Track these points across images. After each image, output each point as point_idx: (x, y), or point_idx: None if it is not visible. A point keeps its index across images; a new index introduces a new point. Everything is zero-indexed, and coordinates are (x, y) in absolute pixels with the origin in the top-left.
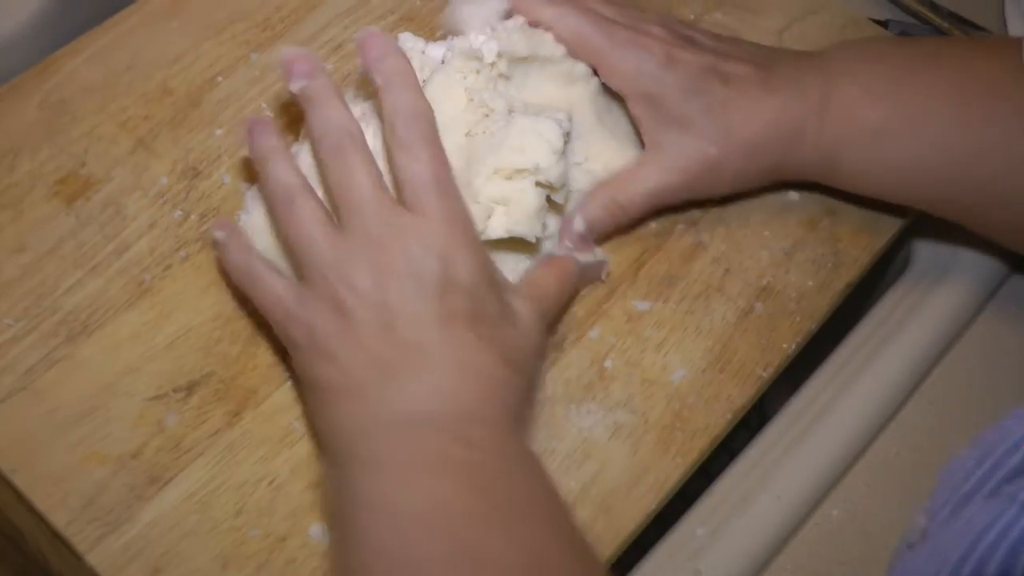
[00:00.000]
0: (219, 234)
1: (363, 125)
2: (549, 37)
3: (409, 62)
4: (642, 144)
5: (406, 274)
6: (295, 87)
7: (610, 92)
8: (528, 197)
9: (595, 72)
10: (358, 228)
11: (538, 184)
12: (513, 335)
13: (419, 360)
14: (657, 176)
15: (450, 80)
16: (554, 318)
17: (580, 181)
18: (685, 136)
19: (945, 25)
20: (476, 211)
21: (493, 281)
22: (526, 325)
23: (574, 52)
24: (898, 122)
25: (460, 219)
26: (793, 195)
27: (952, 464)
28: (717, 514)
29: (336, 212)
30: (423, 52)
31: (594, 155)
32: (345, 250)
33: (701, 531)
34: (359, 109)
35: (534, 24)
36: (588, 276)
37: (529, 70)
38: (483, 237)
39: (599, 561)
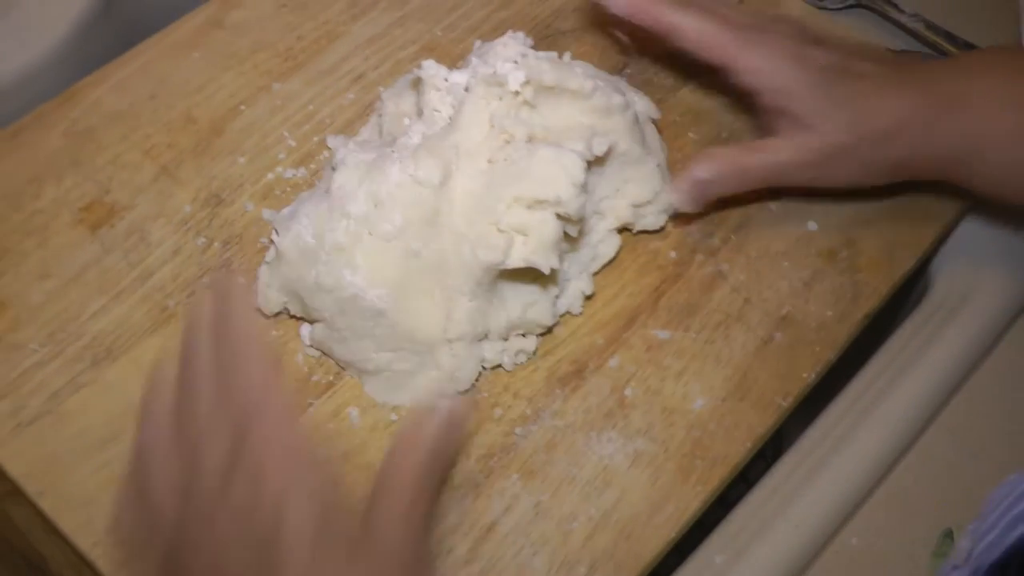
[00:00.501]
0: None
1: (380, 163)
2: (578, 70)
3: None
4: None
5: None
6: None
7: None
8: (547, 228)
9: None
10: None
11: (558, 216)
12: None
13: None
14: (788, 151)
15: (475, 106)
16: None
17: (613, 207)
18: (817, 126)
19: None
20: (498, 239)
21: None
22: (382, 555)
23: (700, 52)
24: None
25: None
26: (812, 225)
27: (1000, 488)
28: (736, 542)
29: None
30: (446, 80)
31: (634, 179)
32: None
33: (720, 559)
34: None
35: (657, 27)
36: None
37: (560, 102)
38: (502, 266)
39: None
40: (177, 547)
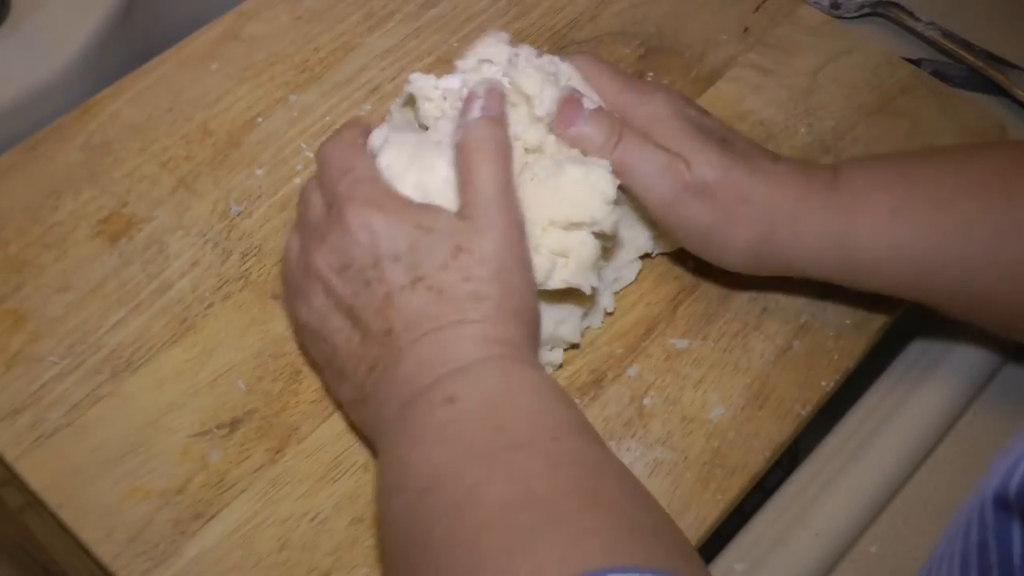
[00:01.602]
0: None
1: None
2: (565, 68)
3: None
4: None
5: (342, 268)
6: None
7: None
8: (586, 249)
9: None
10: (304, 244)
11: (595, 235)
12: (471, 263)
13: (393, 347)
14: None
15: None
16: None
17: (633, 238)
18: (682, 162)
19: (979, 63)
20: (539, 262)
21: (421, 226)
22: (480, 239)
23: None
24: (916, 203)
25: (366, 191)
26: None
27: (968, 496)
28: (756, 550)
29: None
30: (437, 87)
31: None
32: (302, 264)
33: (740, 567)
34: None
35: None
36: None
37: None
38: (541, 287)
39: (598, 464)
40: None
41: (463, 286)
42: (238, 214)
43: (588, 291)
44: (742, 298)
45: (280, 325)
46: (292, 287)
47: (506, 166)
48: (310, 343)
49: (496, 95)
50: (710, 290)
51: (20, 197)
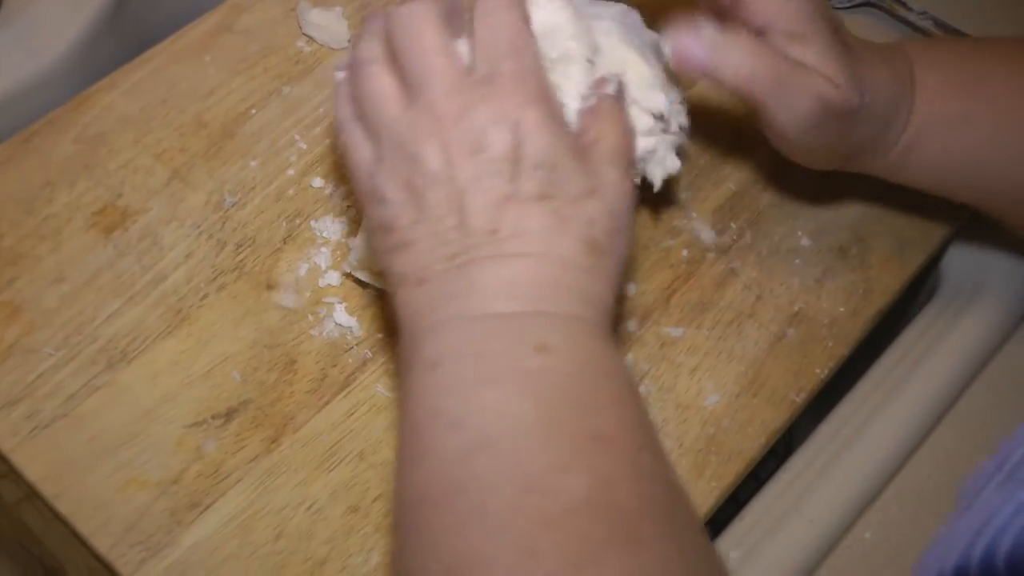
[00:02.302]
0: (339, 74)
1: None
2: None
3: None
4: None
5: (475, 150)
6: None
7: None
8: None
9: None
10: (425, 100)
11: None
12: (600, 210)
13: (491, 248)
14: (822, 88)
15: None
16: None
17: None
18: (828, 84)
19: None
20: None
21: (572, 151)
22: (613, 192)
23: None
24: (983, 110)
25: (533, 86)
26: (822, 222)
27: (974, 473)
28: (751, 537)
29: (407, 86)
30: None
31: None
32: (413, 124)
33: (735, 553)
34: None
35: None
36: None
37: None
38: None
39: (680, 500)
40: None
41: (584, 229)
42: (232, 205)
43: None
44: (736, 286)
45: (275, 316)
46: (388, 134)
47: (633, 144)
48: (389, 201)
49: (620, 85)
50: (704, 279)
51: (14, 189)
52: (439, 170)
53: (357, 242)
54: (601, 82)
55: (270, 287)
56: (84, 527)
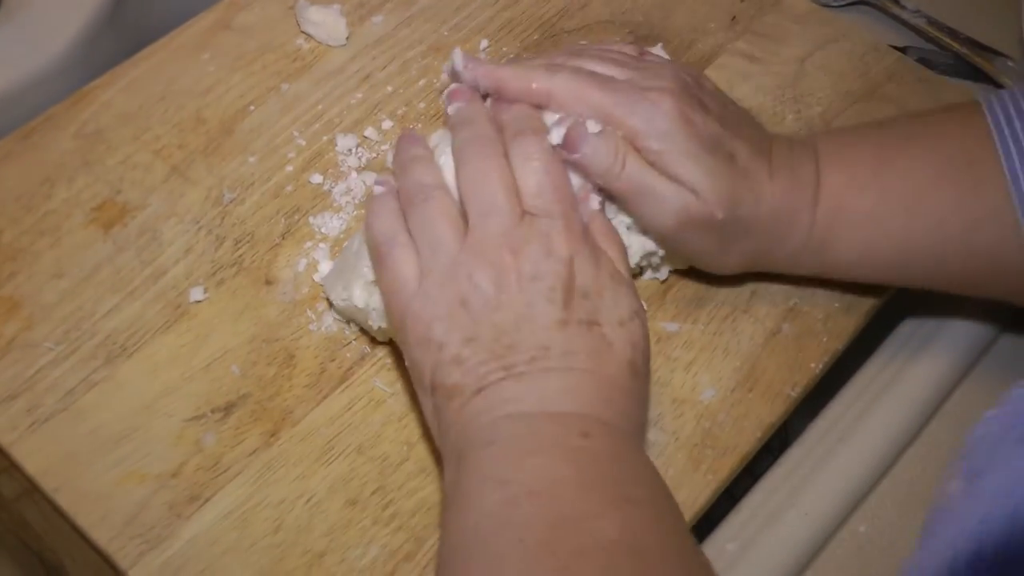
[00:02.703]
0: (378, 188)
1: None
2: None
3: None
4: None
5: (531, 277)
6: (450, 110)
7: None
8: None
9: None
10: (485, 230)
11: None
12: (640, 333)
13: (544, 363)
14: (673, 202)
15: None
16: None
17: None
18: (700, 193)
19: (964, 51)
20: None
21: (616, 280)
22: (644, 317)
23: (579, 113)
24: (889, 206)
25: (577, 226)
26: None
27: (979, 427)
28: (747, 530)
29: (467, 215)
30: None
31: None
32: (472, 250)
33: (731, 546)
34: (434, 139)
35: (527, 98)
36: None
37: None
38: None
39: (701, 557)
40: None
41: (628, 351)
42: (231, 201)
43: None
44: (731, 281)
45: (274, 311)
46: (445, 256)
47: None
48: (429, 312)
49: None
50: (699, 274)
51: (13, 185)
52: (495, 295)
53: (353, 295)
54: (584, 197)
55: (269, 282)
56: (84, 520)
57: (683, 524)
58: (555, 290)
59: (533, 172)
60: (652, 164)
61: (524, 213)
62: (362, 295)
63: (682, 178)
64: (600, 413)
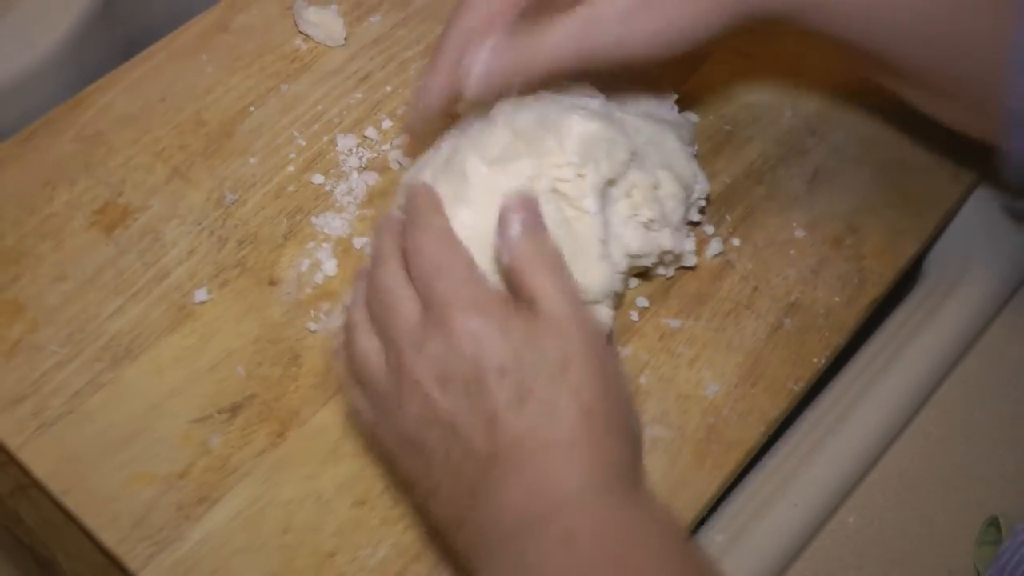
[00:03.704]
0: (337, 340)
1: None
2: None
3: None
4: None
5: (443, 383)
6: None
7: None
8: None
9: None
10: (395, 351)
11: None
12: (580, 375)
13: (499, 468)
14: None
15: None
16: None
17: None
18: None
19: None
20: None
21: (526, 336)
22: (581, 347)
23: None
24: None
25: (466, 298)
26: (816, 214)
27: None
28: (736, 521)
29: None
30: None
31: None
32: (392, 376)
33: (720, 537)
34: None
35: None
36: None
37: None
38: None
39: None
40: (388, 409)
41: (573, 403)
42: (233, 202)
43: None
44: (733, 277)
45: (278, 311)
46: (377, 393)
47: (566, 276)
48: (399, 456)
49: (531, 206)
50: (701, 271)
51: (15, 189)
52: (422, 414)
53: None
54: (503, 223)
55: (272, 283)
56: (93, 522)
57: None
58: (469, 382)
59: (412, 254)
60: None
61: (424, 310)
62: None
63: None
64: (571, 486)
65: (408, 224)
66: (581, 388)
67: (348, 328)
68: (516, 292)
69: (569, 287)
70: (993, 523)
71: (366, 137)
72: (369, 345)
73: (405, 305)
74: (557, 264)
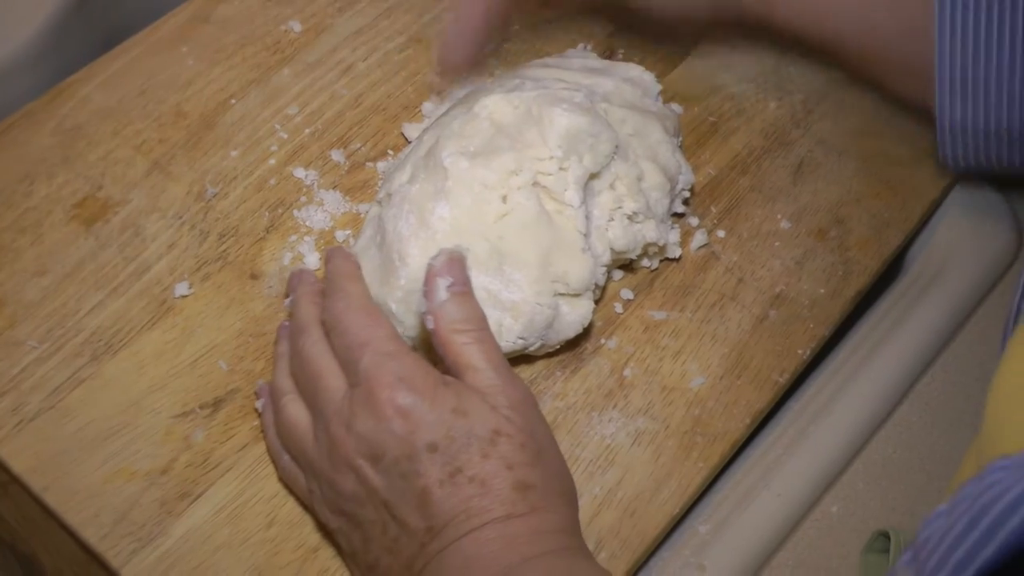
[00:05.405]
0: (259, 403)
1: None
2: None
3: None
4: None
5: (374, 459)
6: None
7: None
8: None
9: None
10: (324, 424)
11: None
12: (509, 448)
13: (436, 544)
14: None
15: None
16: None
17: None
18: None
19: None
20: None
21: (454, 410)
22: (511, 417)
23: None
24: None
25: (391, 373)
26: (801, 205)
27: (934, 520)
28: (720, 511)
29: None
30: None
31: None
32: (322, 450)
33: (704, 528)
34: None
35: None
36: None
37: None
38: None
39: None
40: (322, 478)
41: (507, 475)
42: (214, 195)
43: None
44: (718, 269)
45: (260, 305)
46: (309, 463)
47: (492, 339)
48: (337, 530)
49: (457, 264)
50: (686, 262)
51: None
52: (356, 491)
53: None
54: (429, 287)
55: (254, 276)
56: (74, 519)
57: None
58: (399, 459)
59: (332, 326)
60: None
61: (350, 386)
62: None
63: None
64: (512, 559)
65: (327, 293)
66: (513, 460)
67: (274, 395)
68: (443, 358)
69: (495, 354)
70: (883, 534)
71: (349, 129)
72: (297, 414)
73: (330, 379)
74: (483, 330)
